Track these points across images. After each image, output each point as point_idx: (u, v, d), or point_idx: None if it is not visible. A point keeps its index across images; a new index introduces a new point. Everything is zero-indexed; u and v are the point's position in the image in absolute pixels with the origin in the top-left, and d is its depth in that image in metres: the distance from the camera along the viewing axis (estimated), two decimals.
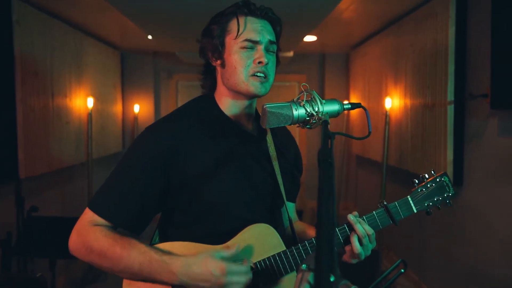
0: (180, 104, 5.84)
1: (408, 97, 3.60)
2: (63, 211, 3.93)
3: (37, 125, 3.35)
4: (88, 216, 1.15)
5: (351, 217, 1.17)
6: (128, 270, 1.09)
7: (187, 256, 1.08)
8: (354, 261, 1.19)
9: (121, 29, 4.40)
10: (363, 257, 1.18)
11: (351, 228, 1.17)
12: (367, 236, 1.16)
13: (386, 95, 4.05)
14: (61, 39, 3.80)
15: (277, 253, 1.16)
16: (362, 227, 1.16)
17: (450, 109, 2.90)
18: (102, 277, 4.21)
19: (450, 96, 2.90)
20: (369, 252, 1.18)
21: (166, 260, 1.07)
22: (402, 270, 1.13)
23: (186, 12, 3.24)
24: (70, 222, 3.49)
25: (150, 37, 4.36)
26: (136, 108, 5.57)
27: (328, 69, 5.79)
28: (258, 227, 1.17)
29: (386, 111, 3.86)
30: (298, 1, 2.94)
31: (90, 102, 4.22)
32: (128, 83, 5.69)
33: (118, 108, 5.45)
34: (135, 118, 5.58)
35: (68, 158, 3.94)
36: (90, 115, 4.23)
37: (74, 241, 1.14)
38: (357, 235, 1.15)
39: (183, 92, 5.88)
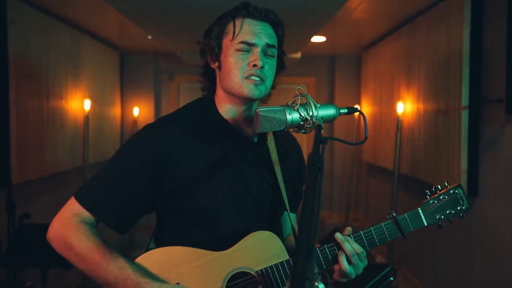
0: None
1: (421, 101, 3.62)
2: None
3: (31, 128, 3.42)
4: (74, 207, 1.20)
5: (338, 236, 1.19)
6: (103, 280, 1.15)
7: (162, 284, 1.13)
8: (343, 280, 1.21)
9: (120, 28, 4.47)
10: (353, 276, 1.19)
11: (340, 247, 1.19)
12: (356, 255, 1.18)
13: (399, 99, 4.07)
14: (58, 39, 3.88)
15: (280, 262, 1.19)
16: (351, 246, 1.18)
17: (465, 115, 2.91)
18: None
19: (465, 101, 2.91)
20: (361, 271, 1.20)
21: (141, 283, 1.12)
22: (391, 278, 1.15)
23: (187, 10, 3.30)
24: None
25: (150, 36, 4.43)
26: (136, 111, 5.64)
27: (338, 71, 5.82)
28: (262, 234, 1.21)
29: (398, 116, 3.88)
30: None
31: (87, 104, 4.29)
32: (127, 84, 5.77)
33: (116, 111, 5.52)
34: (135, 121, 5.65)
35: (63, 163, 4.00)
36: (86, 118, 4.30)
37: (55, 231, 1.19)
38: (346, 254, 1.18)
39: (185, 94, 5.95)
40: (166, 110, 5.86)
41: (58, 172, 3.93)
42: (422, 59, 3.58)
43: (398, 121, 3.88)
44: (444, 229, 1.27)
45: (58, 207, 3.97)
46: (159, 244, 1.28)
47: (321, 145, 0.91)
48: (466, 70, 2.90)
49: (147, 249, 1.28)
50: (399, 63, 4.14)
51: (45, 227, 3.27)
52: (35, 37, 3.48)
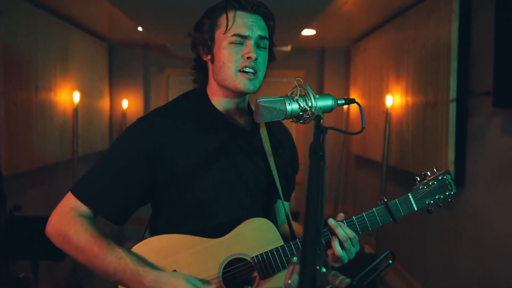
0: (171, 99, 5.91)
1: (410, 94, 3.67)
2: (46, 211, 3.95)
3: (20, 120, 3.39)
4: (71, 201, 1.21)
5: (331, 221, 1.21)
6: (102, 271, 1.17)
7: (160, 272, 1.15)
8: (336, 265, 1.24)
9: (109, 19, 4.44)
10: (346, 261, 1.22)
11: (333, 232, 1.21)
12: (348, 240, 1.21)
13: (387, 92, 4.12)
14: (47, 30, 3.84)
15: (275, 248, 1.22)
16: (343, 231, 1.20)
17: (452, 107, 2.97)
18: (86, 281, 4.26)
19: (453, 94, 2.96)
20: (353, 255, 1.23)
21: (140, 272, 1.14)
22: (390, 261, 1.19)
23: (179, 2, 3.29)
24: None
25: (140, 29, 4.40)
26: (125, 104, 5.61)
27: (327, 64, 5.86)
28: (257, 221, 1.24)
29: (387, 109, 3.93)
30: None
31: (76, 96, 4.25)
32: (116, 77, 5.72)
33: (105, 103, 5.48)
34: (123, 114, 5.62)
35: (52, 155, 3.97)
36: (76, 110, 4.26)
37: (53, 226, 1.20)
38: (338, 239, 1.20)
39: (174, 87, 5.92)
40: (155, 103, 5.84)
41: (47, 164, 3.90)
42: (411, 53, 3.63)
43: (387, 113, 3.93)
44: (432, 219, 1.31)
45: (47, 200, 3.96)
46: (154, 234, 1.30)
47: (321, 135, 0.93)
48: (454, 64, 2.95)
49: (143, 239, 1.30)
50: (388, 57, 4.19)
51: (35, 219, 3.25)
52: (24, 28, 3.43)
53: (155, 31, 4.49)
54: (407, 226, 3.87)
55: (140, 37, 5.12)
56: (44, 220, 3.18)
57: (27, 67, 3.51)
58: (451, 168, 2.98)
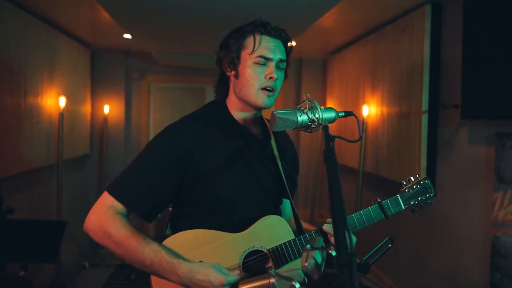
0: (152, 106, 6.04)
1: (385, 105, 3.94)
2: (32, 214, 3.99)
3: (10, 124, 3.44)
4: (108, 201, 1.36)
5: (326, 227, 1.40)
6: (140, 262, 1.33)
7: (192, 263, 1.32)
8: None
9: (93, 25, 4.51)
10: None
11: (323, 233, 1.40)
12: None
13: (364, 103, 4.38)
14: (36, 35, 3.90)
15: (288, 241, 1.41)
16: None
17: (425, 118, 3.24)
18: (69, 284, 4.29)
19: (425, 106, 3.24)
20: (353, 246, 1.43)
21: (175, 264, 1.31)
22: (390, 246, 1.39)
23: (169, 11, 3.42)
24: (41, 225, 3.52)
25: (130, 36, 4.50)
26: (106, 109, 5.67)
27: (304, 74, 6.09)
28: (271, 218, 1.43)
29: (363, 119, 4.19)
30: (284, 10, 3.21)
31: (62, 101, 4.30)
32: (98, 82, 5.77)
33: (87, 108, 5.52)
34: (105, 119, 5.67)
35: (38, 159, 4.01)
36: (61, 115, 4.31)
37: (93, 222, 1.35)
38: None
39: (155, 93, 6.02)
40: (136, 109, 5.93)
41: (33, 168, 3.94)
42: (386, 66, 3.90)
43: (363, 123, 4.18)
44: (403, 219, 1.52)
45: (32, 204, 4.04)
46: (175, 231, 1.45)
47: (330, 142, 1.12)
48: (426, 78, 3.23)
49: (164, 235, 1.46)
50: (364, 69, 4.45)
51: (26, 223, 3.29)
52: (14, 33, 3.49)
53: (144, 39, 4.60)
54: (379, 228, 4.12)
55: (123, 43, 5.20)
56: (31, 222, 3.25)
57: (17, 71, 3.56)
58: (423, 174, 3.24)
